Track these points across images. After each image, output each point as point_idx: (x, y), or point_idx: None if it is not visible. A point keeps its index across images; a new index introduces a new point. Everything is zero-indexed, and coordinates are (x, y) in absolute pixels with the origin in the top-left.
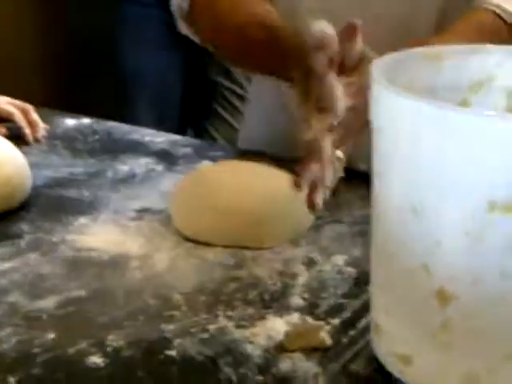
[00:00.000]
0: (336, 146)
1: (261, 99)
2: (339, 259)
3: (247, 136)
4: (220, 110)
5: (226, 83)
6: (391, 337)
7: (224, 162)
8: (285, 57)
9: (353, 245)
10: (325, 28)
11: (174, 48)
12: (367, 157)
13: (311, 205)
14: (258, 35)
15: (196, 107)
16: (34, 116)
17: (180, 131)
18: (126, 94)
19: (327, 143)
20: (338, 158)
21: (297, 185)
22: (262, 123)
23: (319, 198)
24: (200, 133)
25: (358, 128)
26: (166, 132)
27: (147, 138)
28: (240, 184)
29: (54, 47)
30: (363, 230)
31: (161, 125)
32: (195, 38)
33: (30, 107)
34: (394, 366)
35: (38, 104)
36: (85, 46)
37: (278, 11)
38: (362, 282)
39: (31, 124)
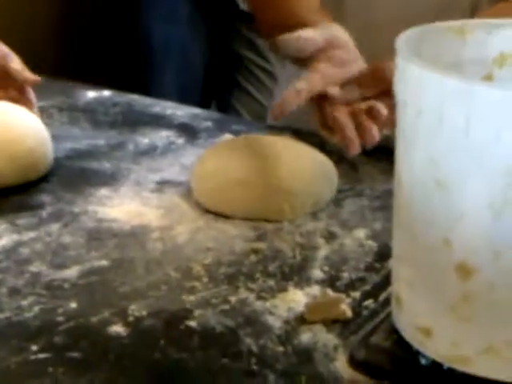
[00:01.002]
0: None
1: (292, 77)
2: (360, 233)
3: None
4: (244, 83)
5: (251, 56)
6: (412, 309)
7: (246, 136)
8: None
9: (374, 218)
10: None
11: (198, 20)
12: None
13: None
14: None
15: (220, 80)
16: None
17: (203, 104)
18: (149, 66)
19: None
20: None
21: None
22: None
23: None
24: (224, 106)
25: None
26: (189, 105)
27: (169, 111)
28: (261, 157)
29: (77, 18)
30: (384, 204)
31: (184, 97)
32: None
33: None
34: (414, 338)
35: (60, 75)
36: (108, 18)
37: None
38: (382, 255)
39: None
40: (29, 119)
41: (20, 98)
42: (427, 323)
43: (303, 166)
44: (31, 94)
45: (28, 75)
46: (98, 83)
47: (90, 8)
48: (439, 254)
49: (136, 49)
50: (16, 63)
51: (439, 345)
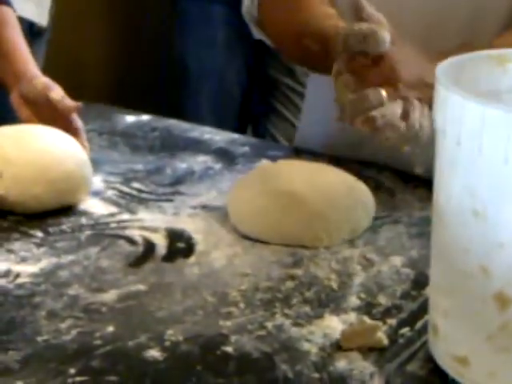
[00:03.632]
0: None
1: (318, 97)
2: (397, 260)
3: (304, 134)
4: (280, 107)
5: (287, 81)
6: (448, 338)
7: (283, 162)
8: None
9: (411, 246)
10: None
11: (235, 45)
12: (424, 160)
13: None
14: (313, 47)
15: (256, 105)
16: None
17: (240, 129)
18: (186, 91)
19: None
20: None
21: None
22: (319, 121)
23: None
24: (259, 131)
25: None
26: (225, 129)
27: (206, 136)
28: (299, 183)
29: (117, 46)
30: (421, 231)
31: (221, 122)
32: (269, 42)
33: (78, 106)
34: (450, 367)
35: (101, 101)
36: (147, 44)
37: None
38: (419, 283)
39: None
40: (67, 143)
41: (68, 127)
42: (464, 352)
43: (340, 193)
44: (78, 123)
45: (68, 103)
46: (136, 108)
47: (131, 36)
48: (477, 283)
49: (173, 74)
50: (56, 93)
51: (476, 374)
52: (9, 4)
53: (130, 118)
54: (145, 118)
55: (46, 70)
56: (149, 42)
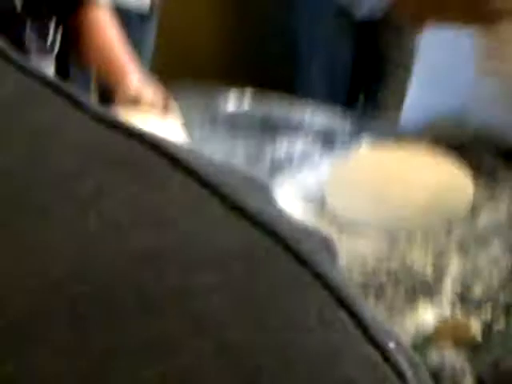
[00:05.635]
0: None
1: (428, 67)
2: (495, 248)
3: (412, 106)
4: (390, 82)
5: (396, 56)
6: None
7: (382, 149)
8: None
9: (510, 233)
10: None
11: (344, 16)
12: None
13: None
14: None
15: (367, 78)
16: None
17: (350, 101)
18: (297, 64)
19: None
20: None
21: None
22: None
23: None
24: (370, 102)
25: None
26: (336, 102)
27: (307, 117)
28: (395, 172)
29: (225, 24)
30: None
31: (332, 95)
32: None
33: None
34: None
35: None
36: (256, 21)
37: None
38: None
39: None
40: (170, 128)
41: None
42: None
43: (437, 179)
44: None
45: (158, 104)
46: (245, 84)
47: (238, 13)
48: None
49: (284, 48)
50: (147, 96)
51: None
52: (98, 4)
53: (233, 99)
54: (246, 102)
55: (156, 52)
56: (258, 17)
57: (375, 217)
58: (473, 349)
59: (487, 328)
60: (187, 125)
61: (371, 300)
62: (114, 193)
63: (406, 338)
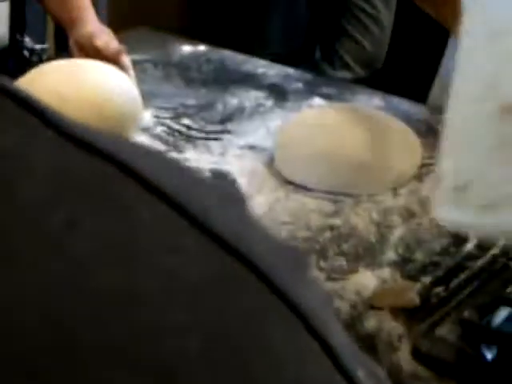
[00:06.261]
0: None
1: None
2: None
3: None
4: (349, 28)
5: (358, 1)
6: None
7: (331, 106)
8: None
9: None
10: None
11: None
12: None
13: None
14: None
15: (325, 25)
16: (126, 61)
17: (307, 49)
18: (256, 13)
19: None
20: None
21: None
22: None
23: None
24: (328, 51)
25: None
26: (293, 49)
27: (260, 70)
28: (343, 129)
29: None
30: None
31: (288, 42)
32: None
33: (122, 50)
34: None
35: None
36: None
37: None
38: (459, 237)
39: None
40: (117, 78)
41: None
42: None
43: (386, 140)
44: (126, 62)
45: (112, 49)
46: (201, 37)
47: None
48: None
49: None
50: (101, 40)
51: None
52: None
53: (187, 48)
54: (201, 48)
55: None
56: None
57: (320, 180)
58: (411, 313)
59: (426, 291)
60: (140, 70)
61: (314, 259)
62: (81, 226)
63: (346, 301)
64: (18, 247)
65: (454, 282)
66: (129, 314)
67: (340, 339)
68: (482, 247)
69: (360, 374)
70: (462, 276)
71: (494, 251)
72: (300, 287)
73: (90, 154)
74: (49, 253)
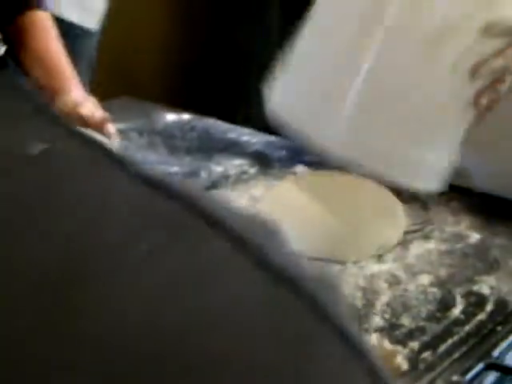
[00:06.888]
0: None
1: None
2: (424, 278)
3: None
4: None
5: None
6: None
7: (312, 173)
8: None
9: (440, 264)
10: None
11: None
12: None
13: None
14: None
15: None
16: (111, 129)
17: None
18: (241, 91)
19: None
20: None
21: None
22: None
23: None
24: None
25: None
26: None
27: (244, 138)
28: (327, 196)
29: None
30: (452, 249)
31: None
32: None
33: (107, 118)
34: None
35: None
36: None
37: None
38: (445, 304)
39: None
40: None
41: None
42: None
43: (371, 207)
44: (110, 129)
45: (97, 118)
46: (185, 106)
47: (182, 35)
48: None
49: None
50: (86, 109)
51: None
52: (42, 7)
53: (171, 117)
54: (185, 117)
55: (98, 63)
56: (202, 39)
57: (306, 247)
58: (399, 378)
59: (414, 356)
60: (125, 138)
61: None
62: (163, 256)
63: None
64: (108, 275)
65: (442, 347)
66: (207, 340)
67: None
68: (469, 312)
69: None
70: (450, 341)
71: (481, 316)
72: (343, 313)
73: (161, 192)
74: (140, 273)
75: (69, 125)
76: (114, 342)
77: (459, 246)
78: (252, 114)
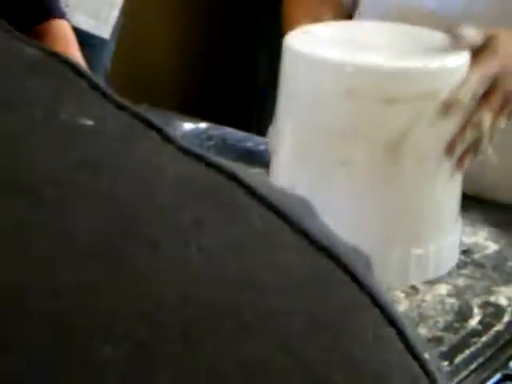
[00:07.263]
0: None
1: None
2: (442, 289)
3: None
4: None
5: None
6: None
7: None
8: None
9: (458, 274)
10: None
11: None
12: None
13: (459, 166)
14: None
15: None
16: None
17: None
18: (258, 98)
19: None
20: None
21: (450, 149)
22: None
23: (467, 161)
24: None
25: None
26: None
27: (261, 147)
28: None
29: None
30: (469, 260)
31: None
32: None
33: None
34: None
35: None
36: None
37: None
38: (463, 314)
39: None
40: None
41: None
42: None
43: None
44: None
45: None
46: (201, 115)
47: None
48: None
49: (243, 84)
50: None
51: None
52: (62, 16)
53: (188, 125)
54: (202, 125)
55: (113, 74)
56: (218, 48)
57: None
58: None
59: None
60: None
61: None
62: (207, 224)
63: None
64: (160, 238)
65: (459, 358)
66: (254, 300)
67: (410, 329)
68: (486, 323)
69: (426, 356)
70: (467, 352)
71: (499, 327)
72: (375, 283)
73: (204, 164)
74: (187, 245)
75: (120, 100)
76: (192, 301)
77: (476, 256)
78: (267, 122)
